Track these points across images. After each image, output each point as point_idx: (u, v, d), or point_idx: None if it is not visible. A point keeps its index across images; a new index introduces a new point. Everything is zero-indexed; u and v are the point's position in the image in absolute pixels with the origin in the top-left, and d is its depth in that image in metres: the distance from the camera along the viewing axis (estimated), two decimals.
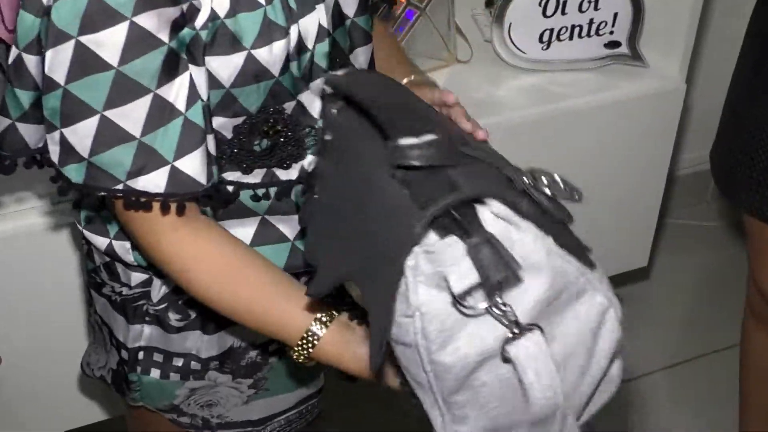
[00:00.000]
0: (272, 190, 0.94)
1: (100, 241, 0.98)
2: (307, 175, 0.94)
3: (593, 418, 0.83)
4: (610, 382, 0.80)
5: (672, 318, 2.16)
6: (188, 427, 1.07)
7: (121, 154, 0.81)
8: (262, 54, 0.86)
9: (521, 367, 0.70)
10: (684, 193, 2.38)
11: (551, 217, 0.74)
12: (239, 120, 0.89)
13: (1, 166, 0.92)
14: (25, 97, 0.86)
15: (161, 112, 0.81)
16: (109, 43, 0.78)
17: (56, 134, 0.83)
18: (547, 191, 0.75)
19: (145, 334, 1.01)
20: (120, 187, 0.83)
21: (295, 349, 0.88)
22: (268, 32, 0.85)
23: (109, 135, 0.81)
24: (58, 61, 0.80)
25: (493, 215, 0.71)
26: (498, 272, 0.68)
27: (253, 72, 0.86)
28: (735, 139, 1.45)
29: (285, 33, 0.86)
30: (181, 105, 0.82)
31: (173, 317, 1.00)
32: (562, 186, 0.75)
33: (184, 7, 0.81)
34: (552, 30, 1.53)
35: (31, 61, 0.84)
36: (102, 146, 0.81)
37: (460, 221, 0.70)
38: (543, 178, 0.75)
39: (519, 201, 0.73)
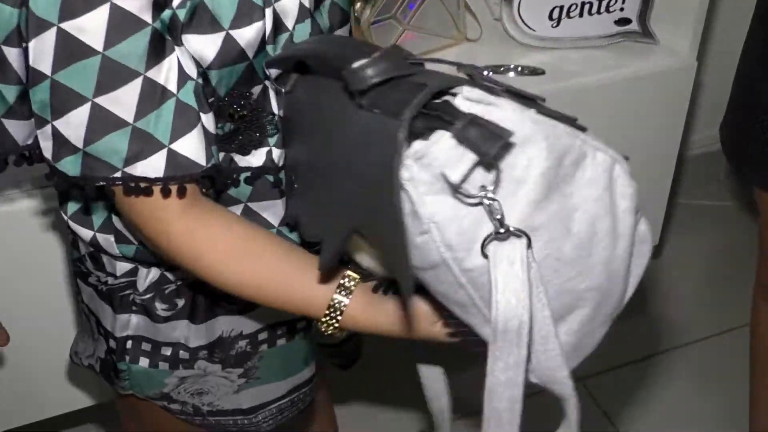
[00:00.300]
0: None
1: (84, 233, 0.97)
2: (281, 169, 0.93)
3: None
4: (643, 242, 0.79)
5: (684, 297, 2.16)
6: (179, 414, 1.07)
7: (116, 141, 0.80)
8: (240, 35, 0.84)
9: (492, 266, 0.69)
10: (696, 172, 2.37)
11: (523, 97, 0.73)
12: None
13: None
14: (10, 92, 0.85)
15: (153, 96, 0.79)
16: (91, 27, 0.76)
17: (48, 128, 0.81)
18: (511, 75, 0.74)
19: (133, 323, 1.01)
20: (118, 174, 0.81)
21: (323, 321, 0.87)
22: (247, 12, 0.83)
23: (102, 122, 0.79)
24: (41, 52, 0.78)
25: (468, 101, 0.69)
26: (491, 144, 0.66)
27: (230, 53, 0.84)
28: (745, 114, 1.44)
29: (262, 14, 0.84)
30: (172, 86, 0.80)
31: (160, 307, 1.00)
32: (521, 69, 0.76)
33: None
34: (561, 7, 1.52)
35: (12, 54, 0.82)
36: (96, 134, 0.79)
37: (438, 115, 0.68)
38: (501, 69, 0.75)
39: (488, 86, 0.72)
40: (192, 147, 0.82)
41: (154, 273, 0.99)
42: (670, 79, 1.58)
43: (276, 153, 0.92)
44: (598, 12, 1.54)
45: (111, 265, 1.00)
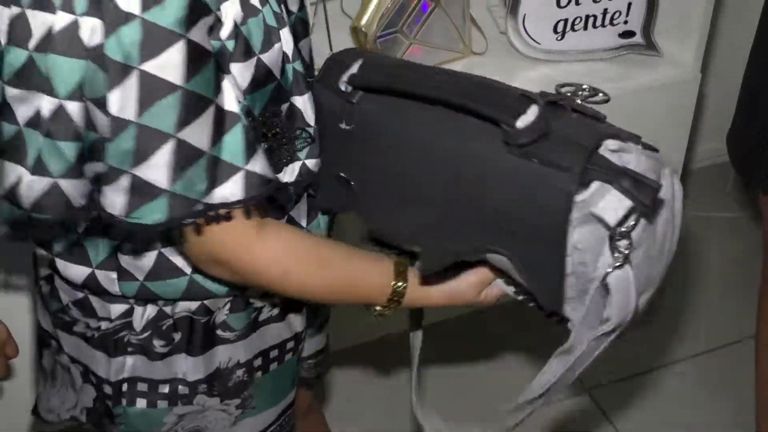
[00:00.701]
0: None
1: (79, 272, 0.96)
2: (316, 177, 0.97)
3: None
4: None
5: (691, 308, 2.16)
6: None
7: (196, 173, 0.80)
8: (267, 58, 0.87)
9: (616, 290, 0.86)
10: (704, 184, 2.37)
11: (594, 118, 0.89)
12: None
13: (40, 232, 0.88)
14: (71, 148, 0.82)
15: (223, 120, 0.81)
16: (171, 64, 0.77)
17: (123, 180, 0.79)
18: (583, 95, 0.91)
19: (128, 365, 1.00)
20: (200, 207, 0.81)
21: (385, 306, 0.97)
22: (269, 36, 0.86)
23: (185, 156, 0.79)
24: (125, 98, 0.77)
25: (611, 151, 0.83)
26: (647, 195, 0.81)
27: (262, 76, 0.87)
28: (752, 120, 1.45)
29: (279, 35, 0.88)
30: (235, 109, 0.81)
31: (157, 344, 0.99)
32: (588, 91, 0.94)
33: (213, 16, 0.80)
34: (566, 20, 1.53)
35: (75, 108, 0.80)
36: (180, 171, 0.79)
37: (592, 169, 0.82)
38: (578, 91, 0.91)
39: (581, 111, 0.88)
40: (262, 164, 0.83)
41: (151, 310, 0.98)
42: (674, 91, 1.59)
43: (311, 164, 0.94)
44: (603, 25, 1.55)
45: (104, 309, 0.99)
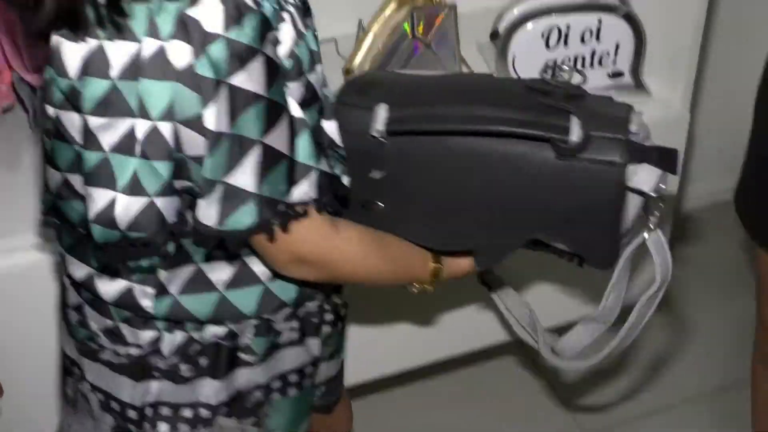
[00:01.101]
0: None
1: (115, 287, 0.97)
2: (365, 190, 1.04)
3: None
4: None
5: (697, 348, 2.14)
6: None
7: (278, 176, 0.87)
8: (312, 78, 0.92)
9: (656, 251, 1.02)
10: (702, 224, 2.37)
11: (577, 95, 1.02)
12: None
13: (133, 251, 0.92)
14: (165, 167, 0.88)
15: (294, 126, 0.87)
16: (254, 76, 0.84)
17: (218, 190, 0.86)
18: (565, 76, 1.03)
19: (153, 389, 1.01)
20: (283, 208, 0.88)
21: (430, 281, 1.07)
22: (312, 58, 0.93)
23: (269, 160, 0.86)
24: (219, 112, 0.83)
25: (633, 134, 0.99)
26: (674, 163, 0.99)
27: (310, 95, 0.92)
28: (761, 183, 1.43)
29: (320, 57, 0.94)
30: (301, 115, 0.88)
31: (184, 368, 1.00)
32: (567, 68, 1.07)
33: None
34: (555, 61, 1.55)
35: (166, 129, 0.86)
36: (265, 174, 0.86)
37: (629, 156, 0.97)
38: (559, 71, 1.04)
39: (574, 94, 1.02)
40: (326, 164, 0.91)
41: (179, 337, 0.99)
42: (663, 131, 1.57)
43: (345, 180, 0.99)
44: (591, 65, 1.56)
45: (134, 336, 1.00)
